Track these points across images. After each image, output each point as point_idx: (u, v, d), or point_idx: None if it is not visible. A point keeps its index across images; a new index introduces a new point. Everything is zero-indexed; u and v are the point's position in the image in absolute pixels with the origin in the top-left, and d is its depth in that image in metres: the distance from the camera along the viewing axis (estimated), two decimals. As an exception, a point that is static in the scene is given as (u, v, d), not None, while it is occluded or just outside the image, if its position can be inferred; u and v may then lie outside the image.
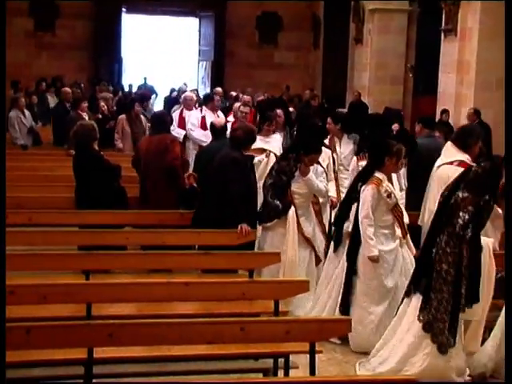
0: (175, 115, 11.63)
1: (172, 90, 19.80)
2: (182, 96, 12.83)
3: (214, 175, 7.28)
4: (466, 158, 6.93)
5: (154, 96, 20.65)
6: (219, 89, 15.68)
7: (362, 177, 6.56)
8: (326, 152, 7.90)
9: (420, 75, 17.99)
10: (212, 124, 9.29)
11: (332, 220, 7.63)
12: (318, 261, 7.11)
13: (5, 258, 4.57)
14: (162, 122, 8.67)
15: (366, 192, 6.33)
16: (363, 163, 7.05)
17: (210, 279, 5.74)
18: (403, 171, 7.23)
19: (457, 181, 5.83)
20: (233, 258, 6.21)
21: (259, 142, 8.22)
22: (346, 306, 6.41)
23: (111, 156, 8.95)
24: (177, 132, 11.01)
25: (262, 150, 8.36)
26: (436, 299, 5.62)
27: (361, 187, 6.45)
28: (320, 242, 7.21)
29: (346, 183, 7.87)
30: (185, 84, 22.23)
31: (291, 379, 4.64)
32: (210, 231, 6.87)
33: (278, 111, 9.51)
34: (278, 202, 6.92)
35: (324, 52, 22.83)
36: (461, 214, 5.62)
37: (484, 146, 8.26)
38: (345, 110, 11.86)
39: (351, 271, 6.43)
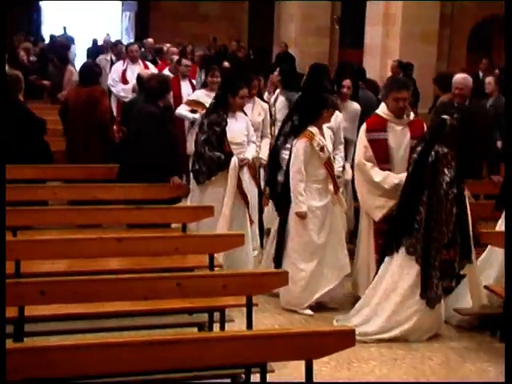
0: (117, 69, 11.12)
1: (95, 41, 19.25)
2: (126, 48, 12.13)
3: (134, 129, 7.15)
4: (381, 110, 6.49)
5: (73, 46, 20.01)
6: (150, 40, 15.28)
7: (294, 131, 6.46)
8: (262, 106, 7.78)
9: (346, 27, 17.99)
10: (139, 76, 9.10)
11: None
12: (250, 221, 6.95)
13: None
14: (90, 73, 8.42)
15: (298, 146, 6.21)
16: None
17: (143, 234, 5.62)
18: (342, 125, 7.11)
19: (431, 135, 5.81)
20: (165, 212, 6.11)
21: (202, 96, 8.08)
22: (278, 262, 6.38)
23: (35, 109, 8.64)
24: (119, 88, 10.72)
25: (203, 105, 7.95)
26: (426, 256, 5.68)
27: (292, 141, 6.37)
28: (253, 196, 7.11)
29: None
30: (108, 35, 21.67)
31: (227, 334, 4.59)
32: (140, 185, 6.73)
33: (226, 64, 9.33)
34: (219, 153, 6.65)
35: (250, 3, 22.58)
36: (446, 170, 5.64)
37: (412, 97, 8.27)
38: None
39: (283, 226, 6.39)
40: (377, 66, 14.07)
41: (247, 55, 17.85)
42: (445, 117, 5.77)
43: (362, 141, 6.27)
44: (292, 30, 18.66)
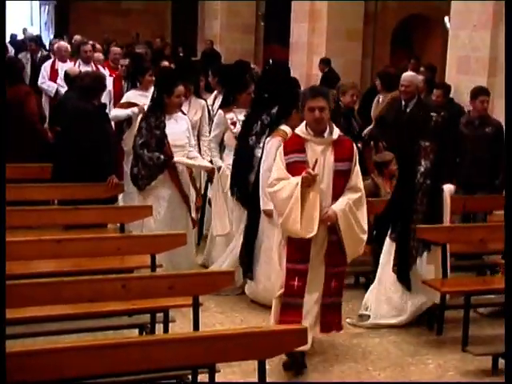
0: (46, 67, 10.76)
1: (13, 36, 18.72)
2: (55, 46, 11.79)
3: (68, 128, 7.00)
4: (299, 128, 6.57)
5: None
6: (78, 37, 14.89)
7: (269, 129, 6.36)
8: (200, 103, 7.67)
9: (272, 24, 18.06)
10: (66, 73, 8.93)
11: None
12: (193, 223, 6.88)
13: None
14: (13, 70, 8.19)
15: (271, 144, 6.08)
16: (230, 115, 6.98)
17: (83, 235, 5.51)
18: None
19: (419, 129, 6.04)
20: (103, 212, 6.01)
21: (136, 97, 7.85)
22: (248, 262, 6.31)
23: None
24: (47, 85, 10.42)
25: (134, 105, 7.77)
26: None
27: (265, 139, 6.29)
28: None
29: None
30: (25, 29, 21.14)
31: (176, 335, 4.54)
32: (74, 185, 6.62)
33: (165, 63, 9.14)
34: (158, 154, 6.43)
35: (173, -1, 22.42)
36: (422, 161, 5.80)
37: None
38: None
39: (252, 227, 6.31)
40: (303, 62, 14.20)
41: (175, 52, 17.69)
42: (433, 114, 5.99)
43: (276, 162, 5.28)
44: (217, 26, 18.63)
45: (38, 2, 23.99)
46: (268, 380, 4.01)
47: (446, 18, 13.05)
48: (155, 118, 6.51)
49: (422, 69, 11.28)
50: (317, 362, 5.44)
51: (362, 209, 5.12)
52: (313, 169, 4.91)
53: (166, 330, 5.14)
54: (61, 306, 4.69)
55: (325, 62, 13.20)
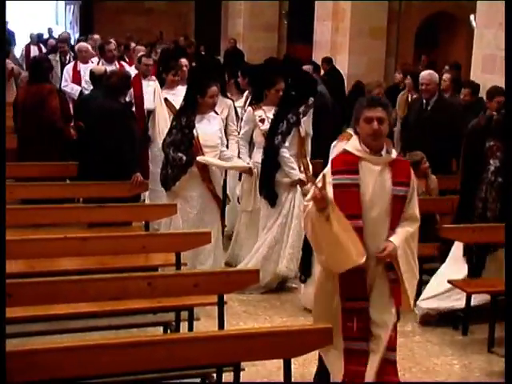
0: (68, 69, 10.60)
1: (39, 36, 18.80)
2: (76, 47, 11.46)
3: (94, 126, 7.03)
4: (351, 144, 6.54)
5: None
6: (97, 36, 14.88)
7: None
8: (226, 102, 7.62)
9: (295, 23, 18.03)
10: (91, 72, 8.95)
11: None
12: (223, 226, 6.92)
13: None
14: (39, 69, 8.23)
15: (337, 149, 5.83)
16: (259, 112, 6.97)
17: (108, 233, 5.51)
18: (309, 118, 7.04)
19: (482, 129, 6.05)
20: (128, 210, 6.02)
21: (169, 97, 7.88)
22: (306, 265, 6.04)
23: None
24: (71, 88, 10.22)
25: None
26: None
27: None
28: None
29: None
30: (50, 29, 21.26)
31: (202, 334, 4.54)
32: (99, 183, 6.64)
33: (183, 61, 8.98)
34: (181, 154, 6.35)
35: (197, -1, 22.44)
36: (491, 161, 5.89)
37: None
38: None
39: None
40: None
41: (197, 51, 17.69)
42: (493, 113, 6.16)
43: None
44: (240, 25, 18.61)
45: (63, 2, 24.14)
46: (293, 380, 3.99)
47: (472, 17, 12.93)
48: (186, 117, 6.45)
49: (446, 67, 11.20)
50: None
51: (416, 242, 4.43)
52: (322, 188, 4.09)
53: (190, 328, 5.14)
54: (86, 304, 4.71)
55: (327, 61, 13.07)
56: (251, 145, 7.16)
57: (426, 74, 8.16)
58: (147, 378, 4.19)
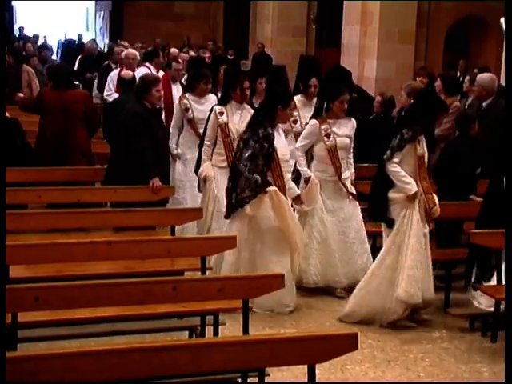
0: (112, 77, 9.88)
1: (71, 41, 18.99)
2: (123, 54, 10.36)
3: (119, 130, 7.05)
4: None
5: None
6: (125, 43, 14.84)
7: None
8: (250, 112, 7.21)
9: (323, 27, 18.00)
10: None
11: None
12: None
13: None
14: (65, 75, 8.29)
15: None
16: (325, 126, 6.74)
17: (134, 237, 5.53)
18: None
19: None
20: (155, 214, 6.03)
21: (190, 102, 7.79)
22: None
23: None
24: (113, 97, 9.32)
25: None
26: None
27: None
28: None
29: None
30: (80, 35, 21.49)
31: (228, 339, 4.54)
32: (126, 188, 6.66)
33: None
34: (258, 177, 5.99)
35: (225, 2, 22.49)
36: None
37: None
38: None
39: None
40: (355, 65, 14.07)
41: (223, 55, 17.73)
42: None
43: None
44: (268, 29, 18.63)
45: (93, 9, 24.37)
46: (318, 385, 3.96)
47: (502, 20, 12.79)
48: (264, 128, 6.11)
49: (475, 70, 11.07)
50: (367, 368, 5.37)
51: None
52: None
53: (215, 332, 5.13)
54: (112, 308, 4.72)
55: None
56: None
57: (488, 77, 8.10)
58: (172, 383, 4.20)
